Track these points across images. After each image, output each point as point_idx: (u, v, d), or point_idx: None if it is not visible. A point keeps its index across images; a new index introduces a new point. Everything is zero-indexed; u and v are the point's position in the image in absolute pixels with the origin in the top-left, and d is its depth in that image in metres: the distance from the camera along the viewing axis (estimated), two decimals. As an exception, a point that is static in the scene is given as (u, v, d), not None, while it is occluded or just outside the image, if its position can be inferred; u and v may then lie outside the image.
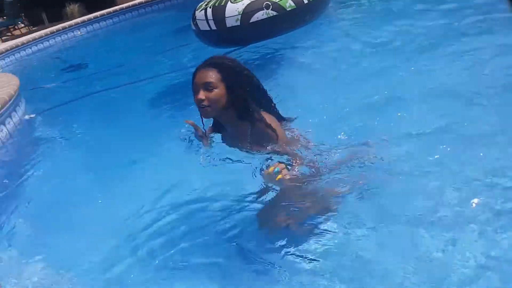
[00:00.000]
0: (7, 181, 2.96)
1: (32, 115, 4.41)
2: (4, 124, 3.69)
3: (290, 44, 4.94)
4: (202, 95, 1.76)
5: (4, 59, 9.03)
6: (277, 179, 1.60)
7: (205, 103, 1.77)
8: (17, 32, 13.26)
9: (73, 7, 13.98)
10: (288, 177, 1.64)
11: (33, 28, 13.38)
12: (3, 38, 12.72)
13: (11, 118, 3.89)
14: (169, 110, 3.84)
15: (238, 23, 4.67)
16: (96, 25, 11.72)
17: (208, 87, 1.76)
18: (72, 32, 11.28)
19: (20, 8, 13.15)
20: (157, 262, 1.85)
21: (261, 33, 4.87)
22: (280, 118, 2.00)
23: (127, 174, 2.76)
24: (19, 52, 9.94)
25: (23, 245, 2.10)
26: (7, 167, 3.30)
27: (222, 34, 4.82)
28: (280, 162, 1.68)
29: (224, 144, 1.98)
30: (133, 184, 2.56)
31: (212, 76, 1.77)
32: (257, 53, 5.03)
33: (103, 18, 11.89)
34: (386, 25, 4.69)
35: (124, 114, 4.09)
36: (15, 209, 2.57)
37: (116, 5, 12.82)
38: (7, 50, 9.69)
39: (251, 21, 4.68)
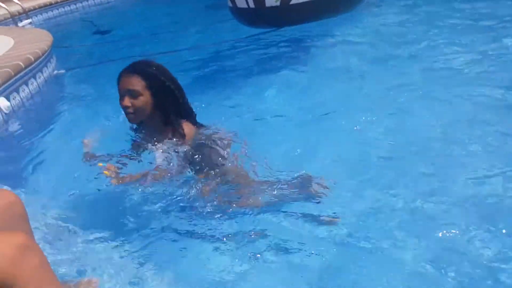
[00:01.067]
0: (31, 132, 2.97)
1: (62, 71, 4.42)
2: (35, 78, 3.70)
3: (321, 33, 4.81)
4: (127, 101, 1.75)
5: (37, 16, 9.07)
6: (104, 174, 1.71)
7: (130, 110, 1.76)
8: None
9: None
10: (114, 181, 1.70)
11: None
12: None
13: (42, 73, 3.90)
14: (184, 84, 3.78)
15: (278, 3, 4.58)
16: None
17: (133, 94, 1.75)
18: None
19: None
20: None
21: (300, 16, 4.77)
22: (198, 124, 1.97)
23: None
24: (52, 10, 9.98)
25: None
26: (33, 119, 3.30)
27: (260, 13, 4.74)
28: (112, 166, 1.75)
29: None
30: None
31: (137, 83, 1.75)
32: (284, 37, 4.93)
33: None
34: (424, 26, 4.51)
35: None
36: (39, 163, 2.54)
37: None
38: (40, 7, 9.73)
39: (291, 2, 4.58)
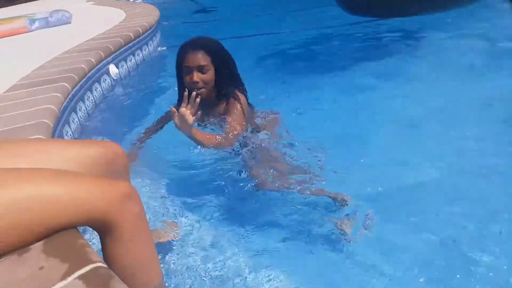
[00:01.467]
0: (133, 98, 3.14)
1: (163, 48, 4.64)
2: (141, 50, 3.93)
3: (431, 26, 4.44)
4: (196, 77, 1.84)
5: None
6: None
7: (201, 84, 1.86)
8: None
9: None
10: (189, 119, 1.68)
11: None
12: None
13: (147, 46, 4.13)
14: (279, 70, 3.78)
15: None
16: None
17: (202, 69, 1.84)
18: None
19: None
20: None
21: (408, 6, 4.48)
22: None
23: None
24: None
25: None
26: (136, 87, 3.49)
27: (365, 1, 4.56)
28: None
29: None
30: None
31: (204, 59, 1.85)
32: (391, 27, 4.64)
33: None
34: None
35: (249, 63, 4.09)
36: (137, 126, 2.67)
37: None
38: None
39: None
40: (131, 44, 3.67)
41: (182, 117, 1.69)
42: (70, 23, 4.94)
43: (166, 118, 2.09)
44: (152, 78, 3.75)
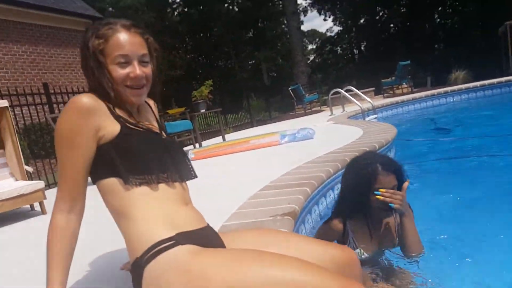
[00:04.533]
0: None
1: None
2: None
3: None
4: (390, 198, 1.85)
5: (382, 112, 10.22)
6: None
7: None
8: (399, 91, 14.75)
9: (458, 74, 14.15)
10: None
11: (415, 89, 14.48)
12: (385, 94, 14.48)
13: (381, 160, 4.28)
14: None
15: None
16: (479, 93, 11.34)
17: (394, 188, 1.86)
18: (452, 97, 11.39)
19: (408, 71, 14.55)
20: None
21: None
22: None
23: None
24: (397, 108, 11.00)
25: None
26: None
27: None
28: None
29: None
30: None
31: (394, 181, 1.87)
32: None
33: (489, 87, 11.37)
34: None
35: (480, 186, 3.66)
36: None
37: (510, 75, 12.03)
38: (387, 105, 10.94)
39: None
40: (365, 158, 3.89)
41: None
42: (312, 138, 5.67)
43: None
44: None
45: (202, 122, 12.41)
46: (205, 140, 9.90)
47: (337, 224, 1.98)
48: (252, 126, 13.63)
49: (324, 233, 2.02)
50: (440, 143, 6.34)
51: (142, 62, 1.23)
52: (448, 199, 3.39)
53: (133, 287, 1.05)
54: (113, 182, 1.17)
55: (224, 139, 7.88)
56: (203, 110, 8.90)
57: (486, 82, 11.38)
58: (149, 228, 1.08)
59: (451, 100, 11.29)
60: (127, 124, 1.22)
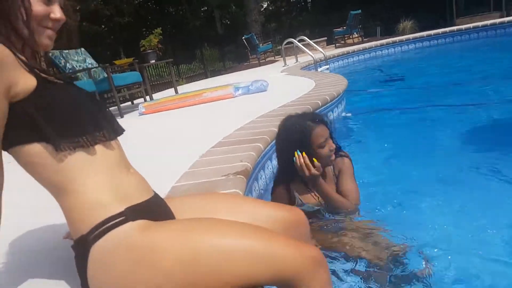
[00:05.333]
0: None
1: (349, 114, 4.80)
2: (326, 116, 4.14)
3: None
4: (331, 144, 2.02)
5: (333, 63, 10.30)
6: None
7: (334, 151, 2.04)
8: (350, 41, 14.84)
9: (406, 24, 14.40)
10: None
11: (365, 39, 14.63)
12: (336, 44, 14.54)
13: (332, 112, 4.34)
14: (485, 145, 3.35)
15: None
16: (425, 43, 11.68)
17: (331, 138, 2.04)
18: (400, 47, 11.64)
19: (359, 21, 14.59)
20: None
21: None
22: None
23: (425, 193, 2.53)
24: (348, 58, 11.11)
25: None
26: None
27: None
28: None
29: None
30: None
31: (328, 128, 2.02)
32: None
33: (434, 37, 11.70)
34: None
35: (435, 135, 3.84)
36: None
37: (454, 26, 12.45)
38: (338, 55, 11.01)
39: None
40: (317, 111, 3.92)
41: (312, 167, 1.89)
42: (266, 90, 5.63)
43: None
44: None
45: (153, 74, 11.89)
46: (157, 92, 9.56)
47: (281, 191, 2.10)
48: (206, 77, 13.31)
49: (275, 198, 2.12)
50: (388, 94, 6.53)
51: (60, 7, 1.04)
52: (394, 148, 3.54)
53: (76, 264, 0.99)
54: (38, 150, 0.96)
55: (176, 91, 7.64)
56: (153, 61, 8.51)
57: (432, 32, 11.72)
58: (95, 202, 0.97)
59: (400, 50, 11.56)
60: (45, 76, 1.01)
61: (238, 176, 1.96)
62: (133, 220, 0.97)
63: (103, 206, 0.97)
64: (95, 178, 1.00)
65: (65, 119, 0.99)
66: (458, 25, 12.52)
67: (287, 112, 3.67)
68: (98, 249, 0.93)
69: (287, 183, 2.10)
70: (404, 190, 2.53)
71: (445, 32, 11.57)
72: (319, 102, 3.95)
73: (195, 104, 5.57)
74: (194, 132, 3.71)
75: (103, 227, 0.94)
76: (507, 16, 12.32)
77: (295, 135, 1.98)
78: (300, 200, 2.08)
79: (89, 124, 1.02)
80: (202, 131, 3.64)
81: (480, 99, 4.97)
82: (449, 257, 1.76)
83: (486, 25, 11.30)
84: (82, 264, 0.96)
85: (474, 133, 3.68)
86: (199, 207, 1.19)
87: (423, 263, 1.68)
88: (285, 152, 2.02)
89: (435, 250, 1.80)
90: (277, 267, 0.93)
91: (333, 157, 2.04)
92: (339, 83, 5.06)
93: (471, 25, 11.63)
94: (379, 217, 2.09)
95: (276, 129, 3.03)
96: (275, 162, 2.99)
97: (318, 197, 2.06)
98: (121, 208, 0.97)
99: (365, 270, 1.66)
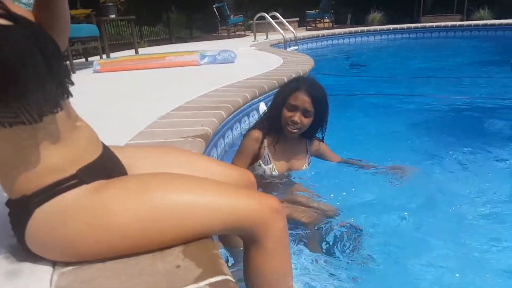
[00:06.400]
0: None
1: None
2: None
3: None
4: (299, 118, 1.90)
5: (303, 45, 10.28)
6: None
7: (298, 126, 1.92)
8: (321, 25, 14.86)
9: (375, 15, 14.61)
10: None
11: (335, 25, 14.71)
12: (308, 27, 14.53)
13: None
14: (427, 131, 3.61)
15: None
16: (391, 36, 11.97)
17: (306, 114, 1.90)
18: (367, 36, 11.83)
19: (332, 5, 14.62)
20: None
21: None
22: None
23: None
24: (317, 42, 11.13)
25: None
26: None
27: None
28: None
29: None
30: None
31: (311, 107, 1.89)
32: None
33: (400, 31, 12.01)
34: None
35: (389, 121, 3.98)
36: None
37: (419, 23, 12.83)
38: (309, 37, 10.99)
39: None
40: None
41: None
42: (233, 62, 5.51)
43: None
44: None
45: (113, 32, 11.17)
46: (115, 52, 9.07)
47: (256, 133, 2.00)
48: (171, 43, 12.82)
49: (244, 145, 2.03)
50: (350, 80, 6.65)
51: None
52: (347, 130, 3.61)
53: (11, 221, 0.89)
54: None
55: (137, 52, 7.30)
56: (113, 16, 7.97)
57: (399, 26, 12.01)
58: (42, 163, 0.84)
59: (367, 40, 11.75)
60: None
61: (197, 139, 1.89)
62: (87, 182, 0.89)
63: (52, 169, 0.86)
64: (42, 138, 0.85)
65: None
66: (423, 23, 12.91)
67: (253, 84, 3.63)
68: (45, 211, 0.84)
69: (264, 132, 2.02)
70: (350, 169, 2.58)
71: (410, 28, 11.94)
72: (285, 78, 3.91)
73: (157, 68, 5.35)
74: (153, 95, 3.55)
75: (53, 190, 0.85)
76: (466, 20, 12.89)
77: (285, 88, 2.00)
78: (268, 156, 2.01)
79: (34, 91, 0.77)
80: (163, 94, 3.49)
81: (436, 92, 5.24)
82: (376, 219, 1.86)
83: (447, 26, 11.76)
84: (19, 222, 0.87)
85: (425, 121, 3.91)
86: (154, 162, 1.12)
87: (354, 225, 1.79)
88: (275, 102, 2.03)
89: (364, 215, 1.88)
90: (238, 218, 0.94)
91: (292, 130, 1.93)
92: (306, 63, 5.05)
93: (434, 24, 12.06)
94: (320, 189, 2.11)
95: (240, 99, 2.98)
96: (236, 132, 2.94)
97: (289, 168, 2.07)
98: (72, 171, 0.88)
99: (304, 232, 1.72)
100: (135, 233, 0.87)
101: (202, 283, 0.79)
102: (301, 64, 4.99)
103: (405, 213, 1.89)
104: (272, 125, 2.00)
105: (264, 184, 1.99)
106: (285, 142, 2.05)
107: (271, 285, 1.01)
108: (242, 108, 3.02)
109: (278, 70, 4.53)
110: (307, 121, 1.93)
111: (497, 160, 2.74)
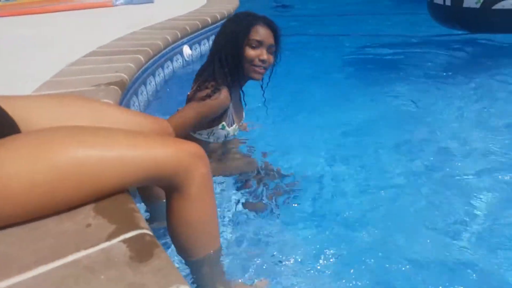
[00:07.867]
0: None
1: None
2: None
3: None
4: (267, 56, 1.62)
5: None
6: None
7: (266, 65, 1.64)
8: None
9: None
10: None
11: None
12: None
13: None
14: (354, 71, 3.70)
15: (478, 5, 4.03)
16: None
17: (271, 50, 1.64)
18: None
19: None
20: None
21: (501, 24, 4.10)
22: None
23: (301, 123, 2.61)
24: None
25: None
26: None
27: (455, 13, 4.24)
28: None
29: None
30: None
31: (273, 40, 1.64)
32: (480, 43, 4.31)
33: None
34: None
35: (314, 62, 4.02)
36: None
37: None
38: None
39: (494, 7, 3.98)
40: (207, 28, 3.70)
41: None
42: (152, 2, 5.11)
43: None
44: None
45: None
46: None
47: (224, 91, 1.56)
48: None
49: (211, 107, 1.56)
50: (282, 18, 6.54)
51: None
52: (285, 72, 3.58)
53: None
54: None
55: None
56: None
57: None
58: None
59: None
60: None
61: (112, 86, 1.73)
62: None
63: None
64: None
65: None
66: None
67: (174, 26, 3.39)
68: None
69: (228, 87, 1.60)
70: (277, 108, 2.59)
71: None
72: (209, 19, 3.72)
73: (65, 10, 4.81)
74: (62, 40, 3.19)
75: None
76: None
77: (239, 26, 1.62)
78: (232, 116, 1.71)
79: None
80: (73, 39, 3.16)
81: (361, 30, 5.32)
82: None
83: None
84: None
85: (347, 60, 4.02)
86: (52, 114, 0.96)
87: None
88: (229, 44, 1.61)
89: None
90: (156, 167, 0.87)
91: (260, 70, 1.64)
92: (230, 2, 4.83)
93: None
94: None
95: (160, 42, 2.78)
96: (159, 78, 2.77)
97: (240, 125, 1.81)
98: None
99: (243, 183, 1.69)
100: (37, 198, 0.76)
101: (115, 240, 0.72)
102: (225, 3, 4.77)
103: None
104: (234, 72, 1.63)
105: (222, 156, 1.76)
106: (236, 94, 1.74)
107: (196, 233, 0.97)
108: (164, 52, 2.83)
109: (201, 10, 4.29)
110: (272, 58, 1.66)
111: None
